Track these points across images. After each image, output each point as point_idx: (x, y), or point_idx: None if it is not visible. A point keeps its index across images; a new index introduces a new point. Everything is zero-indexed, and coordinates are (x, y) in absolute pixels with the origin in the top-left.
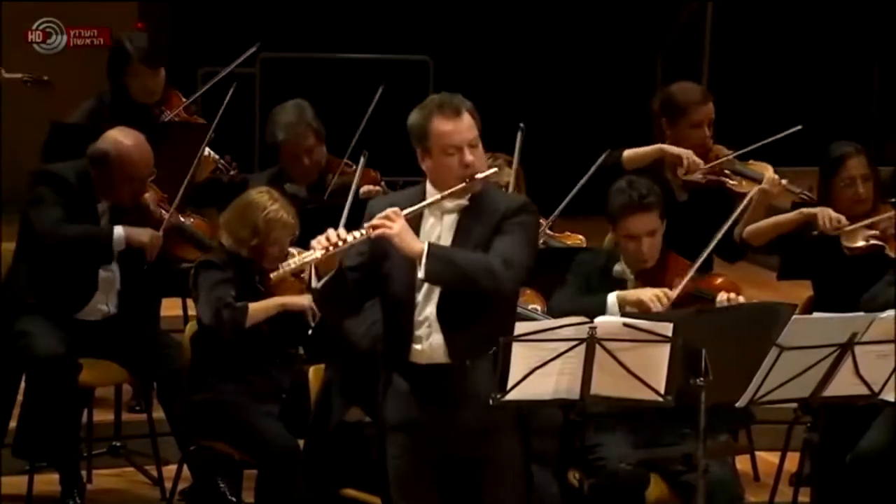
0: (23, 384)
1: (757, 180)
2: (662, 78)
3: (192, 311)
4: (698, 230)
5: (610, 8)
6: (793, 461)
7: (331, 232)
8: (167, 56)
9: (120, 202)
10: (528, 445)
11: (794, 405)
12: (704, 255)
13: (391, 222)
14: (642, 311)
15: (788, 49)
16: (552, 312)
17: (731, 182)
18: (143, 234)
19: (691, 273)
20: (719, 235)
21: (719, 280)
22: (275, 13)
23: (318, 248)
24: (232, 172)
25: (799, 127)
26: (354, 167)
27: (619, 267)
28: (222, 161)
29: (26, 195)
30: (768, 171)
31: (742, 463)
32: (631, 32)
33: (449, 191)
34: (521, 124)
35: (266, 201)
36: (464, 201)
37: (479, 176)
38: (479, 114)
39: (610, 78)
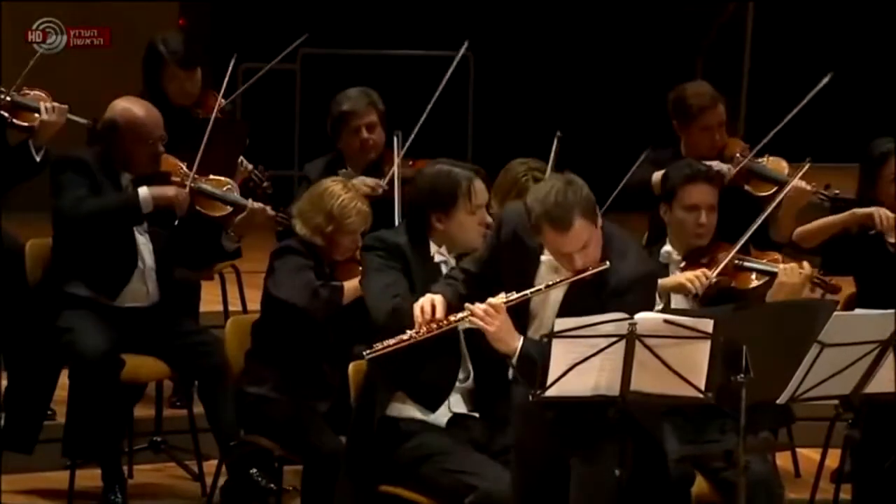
0: (61, 380)
1: (777, 181)
2: (703, 79)
3: (232, 307)
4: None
5: (650, 10)
6: (834, 458)
7: (426, 309)
8: (206, 54)
9: (139, 169)
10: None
11: (836, 402)
12: (746, 236)
13: (492, 319)
14: (683, 292)
15: (829, 50)
16: None
17: (748, 185)
18: (169, 190)
19: (734, 251)
20: (753, 227)
21: (766, 255)
22: (315, 9)
23: (423, 329)
24: (265, 184)
25: (827, 78)
26: (413, 162)
27: (666, 248)
28: (255, 172)
29: (50, 186)
30: (785, 169)
31: (783, 460)
32: (671, 34)
33: (560, 281)
34: (559, 132)
35: (340, 190)
36: None
37: (589, 271)
38: (518, 113)
39: (649, 81)
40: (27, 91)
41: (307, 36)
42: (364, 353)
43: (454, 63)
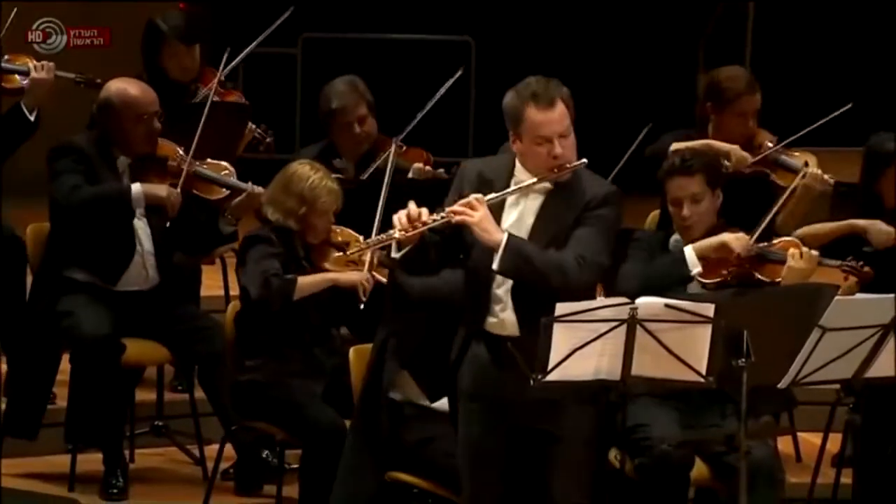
0: (63, 365)
1: (799, 172)
2: (704, 64)
3: (233, 292)
4: (735, 216)
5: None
6: (835, 442)
7: (413, 210)
8: (208, 33)
9: (136, 148)
10: (601, 421)
11: (837, 386)
12: (763, 225)
13: (473, 210)
14: (725, 254)
15: (833, 35)
16: (624, 283)
17: (773, 175)
18: (161, 190)
19: (758, 231)
20: (768, 219)
21: (780, 242)
22: None
23: (399, 228)
24: (268, 140)
25: (848, 106)
26: (405, 149)
27: (675, 238)
28: (258, 130)
29: (47, 173)
30: (811, 162)
31: (784, 444)
32: (673, 18)
33: (535, 179)
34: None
35: (308, 171)
36: (549, 184)
37: (567, 167)
38: None
39: (652, 64)
40: (10, 58)
41: (292, 9)
42: (348, 252)
43: (453, 74)
